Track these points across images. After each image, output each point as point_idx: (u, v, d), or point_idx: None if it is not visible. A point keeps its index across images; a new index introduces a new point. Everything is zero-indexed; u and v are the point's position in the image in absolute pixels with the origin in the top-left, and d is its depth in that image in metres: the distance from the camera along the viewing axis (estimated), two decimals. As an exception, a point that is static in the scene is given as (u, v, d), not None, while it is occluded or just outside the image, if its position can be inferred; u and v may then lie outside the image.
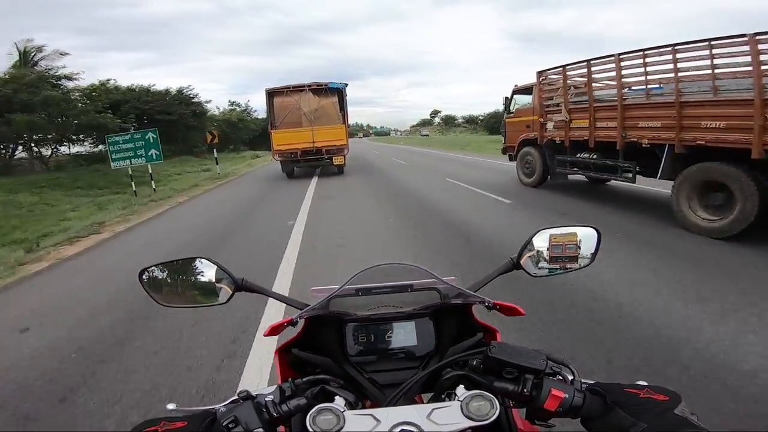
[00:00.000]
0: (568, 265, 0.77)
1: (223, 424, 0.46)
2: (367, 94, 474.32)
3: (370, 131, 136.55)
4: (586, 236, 0.78)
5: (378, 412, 0.46)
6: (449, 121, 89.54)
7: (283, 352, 0.67)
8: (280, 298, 0.75)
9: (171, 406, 0.52)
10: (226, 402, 0.51)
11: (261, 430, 0.47)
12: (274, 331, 0.65)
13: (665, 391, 0.47)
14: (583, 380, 0.52)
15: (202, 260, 0.70)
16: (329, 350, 0.67)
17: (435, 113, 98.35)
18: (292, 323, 0.65)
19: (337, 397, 0.50)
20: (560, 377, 0.51)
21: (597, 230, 0.78)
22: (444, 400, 0.54)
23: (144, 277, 0.69)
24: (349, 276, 0.66)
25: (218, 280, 0.70)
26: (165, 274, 0.71)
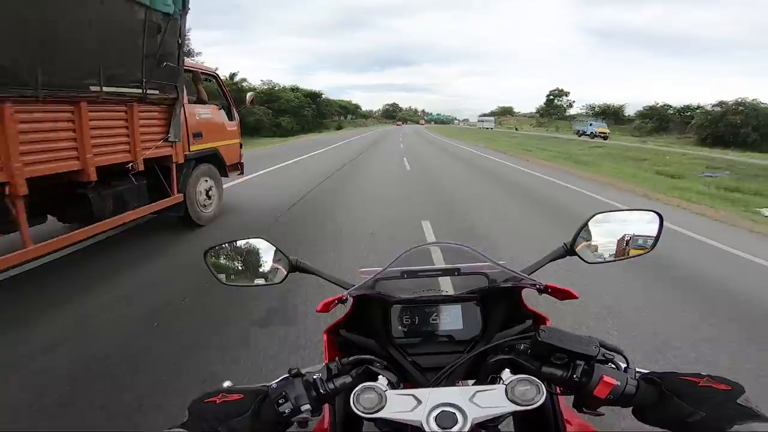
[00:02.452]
0: (627, 251, 0.73)
1: (274, 399, 0.50)
2: (421, 80, 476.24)
3: (424, 118, 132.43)
4: (645, 220, 0.74)
5: (420, 392, 0.47)
6: (553, 112, 71.77)
7: (330, 333, 0.71)
8: (330, 278, 0.78)
9: (227, 384, 0.55)
10: (278, 379, 0.55)
11: (308, 406, 0.50)
12: (326, 307, 0.69)
13: (726, 381, 0.45)
14: (637, 369, 0.50)
15: (261, 241, 0.76)
16: (374, 332, 0.70)
17: (560, 95, 73.83)
18: (342, 300, 0.68)
19: (380, 377, 0.52)
20: (612, 365, 0.50)
21: (659, 214, 0.73)
22: (488, 384, 0.54)
23: (208, 256, 0.76)
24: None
25: (275, 261, 0.75)
26: (227, 253, 0.77)
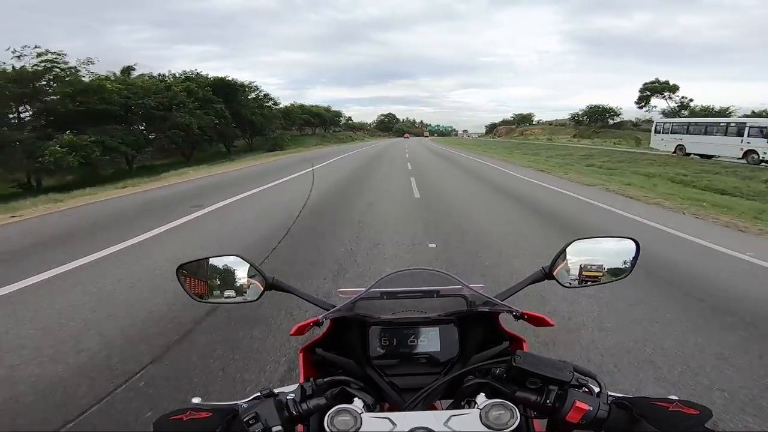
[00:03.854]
0: (603, 277, 0.87)
1: (244, 419, 0.55)
2: (418, 94, 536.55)
3: (425, 129, 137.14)
4: (623, 247, 0.88)
5: (395, 415, 0.55)
6: (599, 117, 65.59)
7: (307, 351, 0.81)
8: (307, 297, 0.89)
9: (196, 400, 0.62)
10: (249, 398, 0.62)
11: (280, 427, 0.56)
12: (300, 330, 0.78)
13: (695, 406, 0.53)
14: (610, 393, 0.59)
15: (236, 258, 0.86)
16: (352, 352, 0.80)
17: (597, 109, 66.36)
18: (317, 323, 0.77)
19: (355, 399, 0.59)
20: (586, 389, 0.59)
21: (636, 241, 0.87)
22: (464, 408, 0.63)
23: (181, 272, 0.86)
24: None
25: (251, 277, 0.86)
26: (200, 270, 0.87)
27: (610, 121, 65.31)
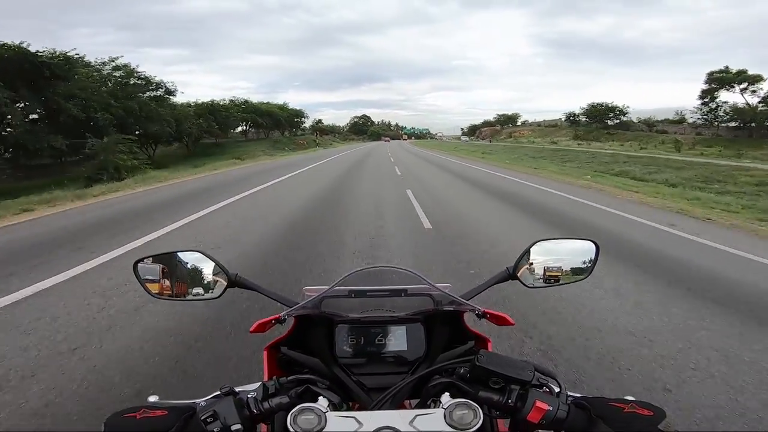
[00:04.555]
0: (565, 277, 0.97)
1: (202, 418, 0.58)
2: (392, 97, 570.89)
3: (401, 132, 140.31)
4: (584, 249, 0.98)
5: (361, 415, 0.59)
6: (599, 116, 62.09)
7: (271, 349, 0.86)
8: (271, 295, 0.94)
9: (153, 398, 0.63)
10: (208, 397, 0.65)
11: (240, 426, 0.59)
12: (260, 327, 0.82)
13: (650, 407, 0.60)
14: (569, 393, 0.65)
15: (198, 254, 0.91)
16: (318, 350, 0.85)
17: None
18: (279, 320, 0.82)
19: (320, 398, 0.62)
20: (547, 389, 0.65)
21: (595, 243, 0.98)
22: (429, 407, 0.68)
23: (139, 267, 0.90)
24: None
25: (214, 274, 0.91)
26: (160, 266, 0.91)
27: (609, 122, 62.12)
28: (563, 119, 74.75)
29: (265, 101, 53.99)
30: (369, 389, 0.80)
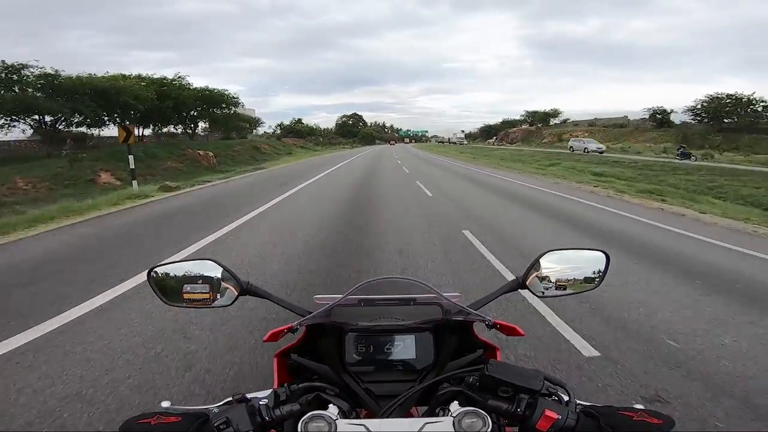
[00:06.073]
0: (575, 288, 1.12)
1: (215, 424, 0.68)
2: (385, 100, 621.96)
3: (401, 135, 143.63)
4: (594, 259, 1.13)
5: (370, 422, 0.69)
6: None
7: (282, 356, 1.01)
8: (282, 303, 1.09)
9: (166, 404, 0.74)
10: (221, 403, 0.76)
11: None
12: (273, 336, 0.97)
13: (659, 415, 0.69)
14: (578, 402, 0.76)
15: (210, 262, 1.05)
16: (328, 358, 1.00)
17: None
18: (292, 330, 0.97)
19: (330, 405, 0.73)
20: (556, 398, 0.75)
21: (606, 254, 1.13)
22: (438, 415, 0.80)
23: (152, 275, 1.04)
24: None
25: (224, 281, 1.05)
26: (172, 273, 1.05)
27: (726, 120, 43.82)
28: (644, 117, 56.15)
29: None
30: (378, 397, 0.93)
